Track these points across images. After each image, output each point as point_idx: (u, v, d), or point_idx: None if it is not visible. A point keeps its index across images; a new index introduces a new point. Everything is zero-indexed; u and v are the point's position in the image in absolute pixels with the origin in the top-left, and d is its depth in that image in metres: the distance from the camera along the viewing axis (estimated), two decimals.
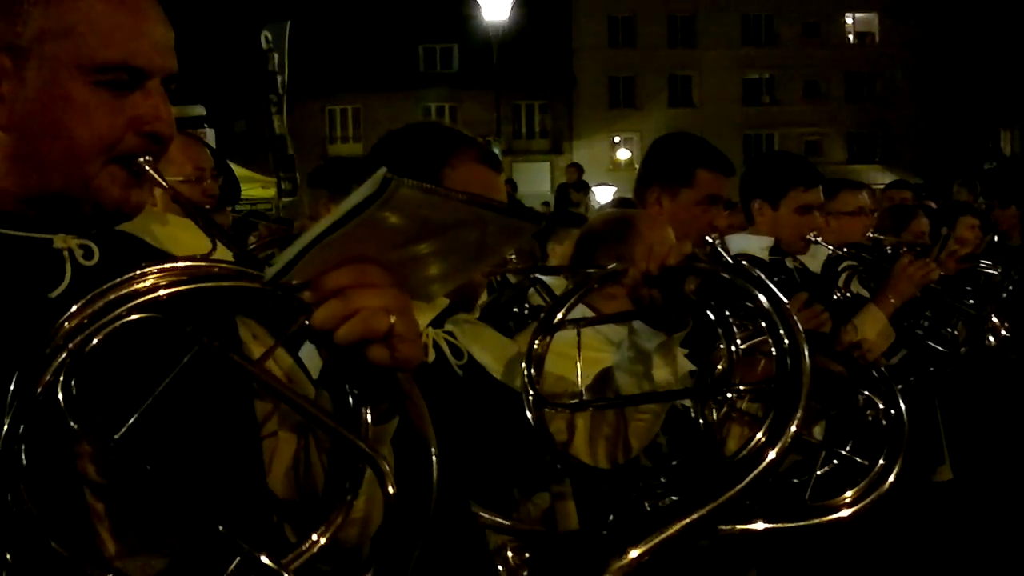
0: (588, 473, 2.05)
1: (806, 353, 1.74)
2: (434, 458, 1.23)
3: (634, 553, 1.52)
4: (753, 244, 3.59)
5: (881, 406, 2.54)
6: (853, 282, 3.80)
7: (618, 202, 6.27)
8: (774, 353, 1.79)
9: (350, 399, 1.25)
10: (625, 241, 2.68)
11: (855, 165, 37.62)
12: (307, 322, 1.18)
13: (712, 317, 2.01)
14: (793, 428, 1.70)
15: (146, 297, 1.15)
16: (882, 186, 8.53)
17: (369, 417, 1.25)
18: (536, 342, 2.01)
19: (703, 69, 40.30)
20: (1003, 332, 3.59)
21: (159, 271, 1.17)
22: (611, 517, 1.88)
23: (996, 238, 5.66)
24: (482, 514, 1.82)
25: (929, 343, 3.76)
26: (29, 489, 1.08)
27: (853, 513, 2.30)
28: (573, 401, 2.04)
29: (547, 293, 4.50)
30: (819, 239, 3.63)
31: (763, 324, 1.82)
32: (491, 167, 2.03)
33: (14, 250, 1.29)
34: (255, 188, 15.52)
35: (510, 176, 30.44)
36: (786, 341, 1.76)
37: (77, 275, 1.29)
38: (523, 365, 2.00)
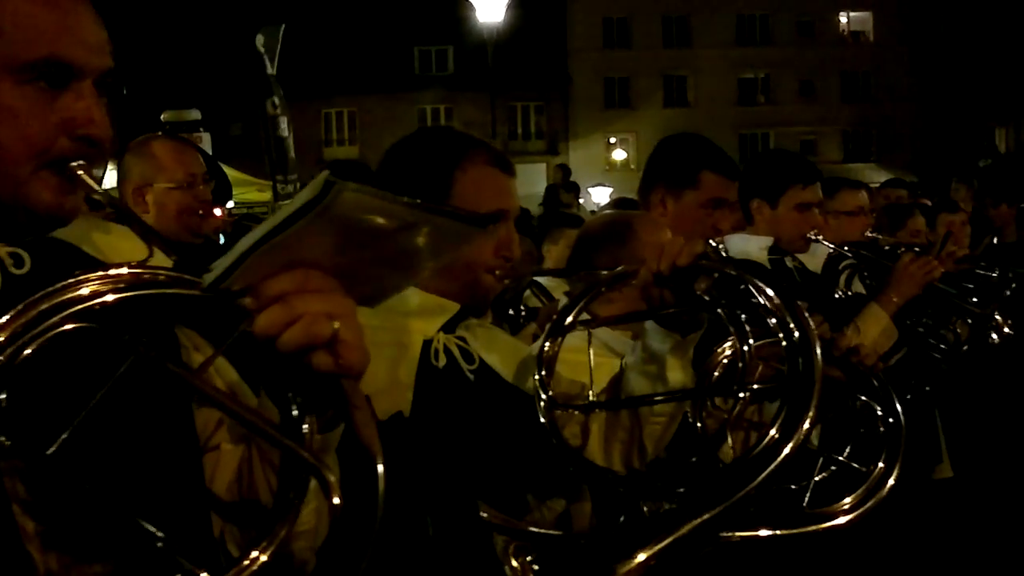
0: (602, 477, 2.03)
1: (818, 349, 1.72)
2: (380, 468, 1.18)
3: (641, 556, 1.50)
4: (752, 244, 3.57)
5: (879, 412, 2.53)
6: (854, 281, 3.78)
7: (616, 203, 6.25)
8: (785, 348, 1.77)
9: (294, 408, 1.22)
10: (624, 244, 2.66)
11: (851, 164, 37.61)
12: (249, 329, 1.14)
13: (724, 317, 1.99)
14: (807, 424, 1.68)
15: (80, 306, 1.11)
16: (877, 185, 8.51)
17: (314, 426, 1.22)
18: (547, 345, 1.99)
19: (698, 69, 40.32)
20: (1006, 330, 3.56)
21: (93, 279, 1.13)
22: (620, 520, 1.87)
23: (995, 239, 5.64)
24: (489, 514, 1.80)
25: (931, 341, 3.74)
26: None
27: (851, 520, 2.29)
28: (583, 403, 2.01)
29: (543, 295, 4.49)
30: (820, 237, 3.61)
31: (773, 321, 1.80)
32: (503, 170, 2.02)
33: None
34: (251, 192, 15.48)
35: None
36: (797, 335, 1.74)
37: (7, 284, 1.25)
38: (535, 368, 1.99)
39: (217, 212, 4.03)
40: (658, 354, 2.01)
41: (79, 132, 1.26)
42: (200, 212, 3.42)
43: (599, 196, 20.72)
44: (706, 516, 1.56)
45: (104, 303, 1.12)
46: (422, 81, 39.14)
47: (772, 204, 3.61)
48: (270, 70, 13.07)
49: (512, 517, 1.85)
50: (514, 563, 1.69)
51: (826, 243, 3.65)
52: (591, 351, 2.02)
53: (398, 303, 1.96)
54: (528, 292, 4.58)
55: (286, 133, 12.90)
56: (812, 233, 3.59)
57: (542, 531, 1.81)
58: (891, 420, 2.51)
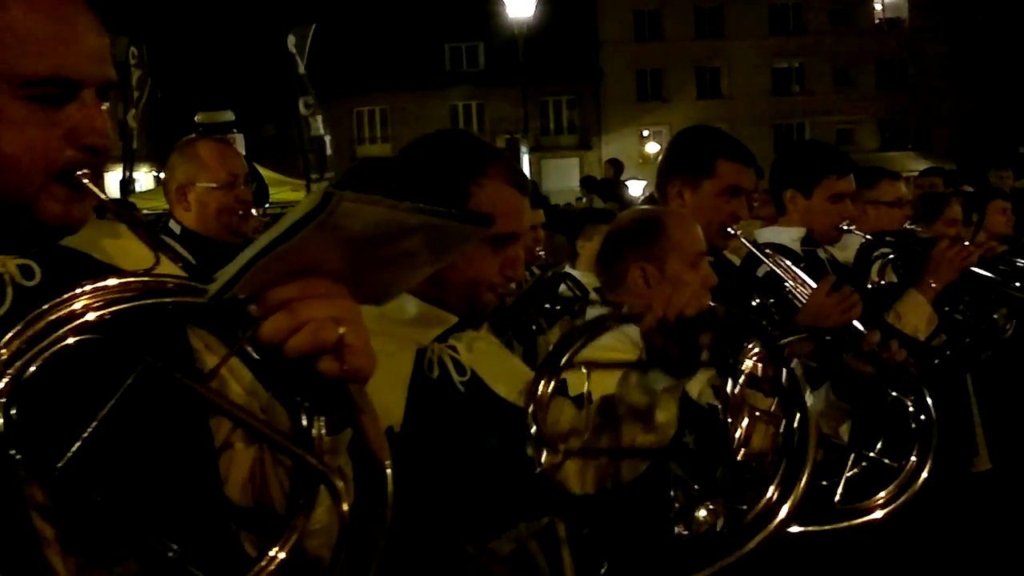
0: (581, 506, 2.04)
1: (811, 424, 1.76)
2: (388, 472, 1.19)
3: None
4: (784, 236, 3.56)
5: (911, 408, 2.51)
6: (887, 271, 3.75)
7: (649, 198, 6.23)
8: (782, 410, 1.82)
9: (302, 411, 1.22)
10: (653, 241, 2.65)
11: (888, 152, 37.26)
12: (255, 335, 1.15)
13: (719, 378, 2.03)
14: (804, 481, 1.73)
15: (87, 317, 1.12)
16: (915, 173, 8.42)
17: (323, 429, 1.22)
18: (541, 384, 1.97)
19: (731, 60, 40.07)
20: None
21: (98, 289, 1.13)
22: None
23: None
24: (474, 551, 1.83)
25: (970, 327, 3.70)
26: None
27: (884, 516, 2.28)
28: (572, 447, 2.01)
29: (577, 288, 4.49)
30: (853, 227, 3.59)
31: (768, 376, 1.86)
32: (519, 190, 2.02)
33: None
34: (285, 191, 15.58)
35: (538, 172, 30.36)
36: (796, 414, 1.78)
37: (19, 296, 1.26)
38: (528, 402, 1.96)
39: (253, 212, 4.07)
40: (651, 389, 2.01)
41: (84, 142, 1.26)
42: (240, 212, 3.48)
43: (634, 190, 20.62)
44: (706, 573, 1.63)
45: (110, 313, 1.13)
46: (453, 77, 39.23)
47: (806, 194, 3.60)
48: (301, 70, 13.16)
49: (493, 531, 1.87)
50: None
51: (859, 233, 3.63)
52: (589, 386, 2.01)
53: (396, 311, 1.96)
54: (563, 286, 4.59)
55: (321, 131, 12.99)
56: (845, 224, 3.57)
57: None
58: (923, 416, 2.49)
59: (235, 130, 9.57)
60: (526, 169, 19.45)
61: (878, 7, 41.25)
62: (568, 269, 5.04)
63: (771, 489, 1.72)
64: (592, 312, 2.18)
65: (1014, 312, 3.65)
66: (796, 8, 40.53)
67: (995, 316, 3.68)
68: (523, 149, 19.44)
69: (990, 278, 3.58)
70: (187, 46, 30.92)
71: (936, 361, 3.52)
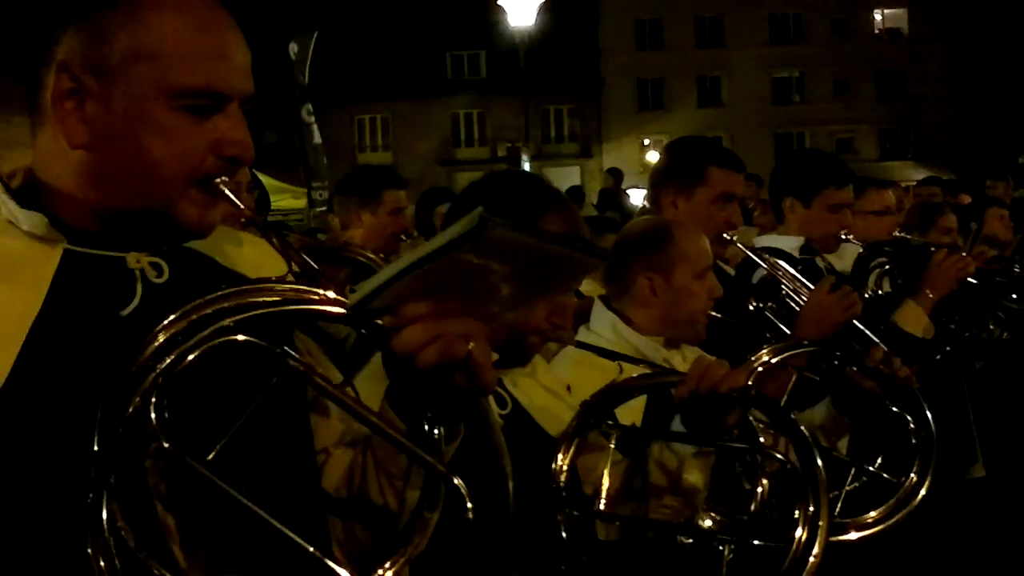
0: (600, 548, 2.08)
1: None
2: (510, 483, 1.28)
3: None
4: (783, 244, 3.57)
5: (912, 424, 2.53)
6: (884, 281, 3.76)
7: (642, 209, 6.24)
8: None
9: (424, 422, 1.28)
10: (661, 250, 2.67)
11: (887, 162, 37.30)
12: (385, 346, 1.21)
13: (739, 461, 2.11)
14: (823, 521, 1.81)
15: (233, 318, 1.17)
16: (914, 183, 8.44)
17: (443, 438, 1.28)
18: (561, 454, 2.01)
19: (732, 69, 40.13)
20: None
21: (244, 292, 1.19)
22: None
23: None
24: None
25: (966, 337, 3.71)
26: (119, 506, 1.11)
27: (882, 530, 2.31)
28: (595, 511, 2.06)
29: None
30: (851, 237, 3.61)
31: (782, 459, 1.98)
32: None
33: (87, 268, 1.32)
34: (286, 199, 15.63)
35: None
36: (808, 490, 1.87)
37: (147, 293, 1.32)
38: (556, 462, 2.01)
39: None
40: (680, 453, 2.07)
41: (227, 153, 1.33)
42: (242, 221, 3.48)
43: (635, 198, 20.62)
44: None
45: (254, 316, 1.18)
46: (455, 86, 39.28)
47: (806, 204, 3.61)
48: (303, 78, 13.19)
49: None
50: None
51: (856, 243, 3.65)
52: (611, 451, 2.07)
53: None
54: None
55: (319, 139, 13.01)
56: (843, 233, 3.59)
57: None
58: (923, 432, 2.51)
59: None
60: None
61: (878, 17, 41.32)
62: None
63: (799, 532, 1.82)
64: (629, 369, 2.23)
65: (1010, 322, 3.66)
66: (796, 18, 40.60)
67: (991, 326, 3.69)
68: (524, 157, 19.45)
69: (986, 289, 3.59)
70: None
71: (938, 357, 3.54)
